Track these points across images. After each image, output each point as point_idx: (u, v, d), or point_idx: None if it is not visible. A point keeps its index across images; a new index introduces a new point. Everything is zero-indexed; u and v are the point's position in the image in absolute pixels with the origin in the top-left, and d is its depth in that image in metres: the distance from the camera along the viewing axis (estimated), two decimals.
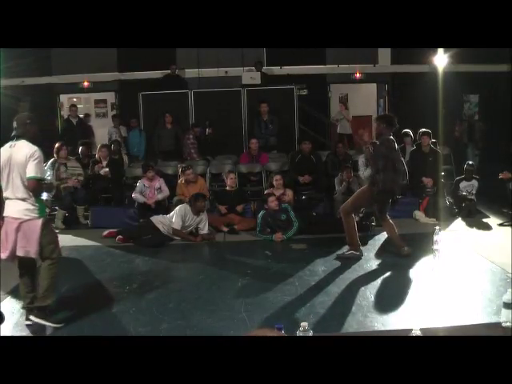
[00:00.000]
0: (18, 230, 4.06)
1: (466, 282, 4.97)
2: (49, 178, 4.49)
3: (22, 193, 4.06)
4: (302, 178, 8.20)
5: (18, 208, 4.07)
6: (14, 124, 4.19)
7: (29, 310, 4.25)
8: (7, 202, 4.14)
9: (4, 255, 4.13)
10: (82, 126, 10.94)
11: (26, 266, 4.31)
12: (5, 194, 4.15)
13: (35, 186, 4.07)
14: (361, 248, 5.87)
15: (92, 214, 7.78)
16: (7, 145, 4.18)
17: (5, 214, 4.13)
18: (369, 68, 12.19)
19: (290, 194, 7.63)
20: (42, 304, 4.19)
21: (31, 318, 4.19)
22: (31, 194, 4.06)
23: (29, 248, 4.08)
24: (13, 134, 4.18)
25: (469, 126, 11.04)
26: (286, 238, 6.70)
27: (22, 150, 4.06)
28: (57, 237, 4.40)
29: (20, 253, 4.11)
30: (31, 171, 4.02)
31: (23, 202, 4.07)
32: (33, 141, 4.15)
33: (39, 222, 4.09)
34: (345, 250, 5.87)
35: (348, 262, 5.69)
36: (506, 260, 5.29)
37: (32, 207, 4.08)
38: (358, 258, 5.76)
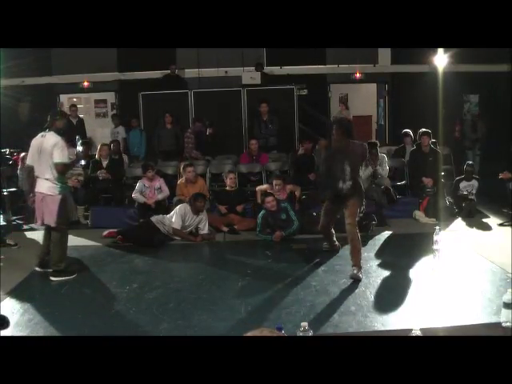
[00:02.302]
0: (42, 202, 5.20)
1: (466, 282, 4.97)
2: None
3: (47, 174, 5.15)
4: (310, 176, 8.22)
5: (44, 185, 5.17)
6: (48, 118, 5.29)
7: (40, 265, 5.46)
8: (38, 181, 5.26)
9: (37, 223, 5.49)
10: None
11: (49, 234, 5.38)
12: (36, 174, 5.27)
13: (60, 169, 5.13)
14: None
15: (92, 214, 7.78)
16: (40, 134, 5.28)
17: (36, 190, 5.28)
18: (369, 68, 12.19)
19: (289, 188, 7.68)
20: (57, 268, 5.27)
21: (52, 278, 5.26)
22: (54, 175, 5.12)
23: (49, 218, 5.17)
24: (45, 126, 5.28)
25: (472, 125, 11.03)
26: (284, 234, 6.68)
27: (49, 140, 5.13)
28: (68, 211, 5.48)
29: (44, 221, 5.26)
30: (57, 157, 5.09)
31: (47, 180, 5.14)
32: (59, 132, 5.20)
33: (58, 197, 5.16)
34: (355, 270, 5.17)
35: (348, 262, 5.69)
36: (506, 260, 5.29)
37: (53, 185, 5.15)
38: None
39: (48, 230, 5.42)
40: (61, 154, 5.09)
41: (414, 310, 4.30)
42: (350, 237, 5.27)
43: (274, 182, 7.55)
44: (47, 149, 5.11)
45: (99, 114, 13.05)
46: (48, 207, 5.17)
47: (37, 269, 5.51)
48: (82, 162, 5.56)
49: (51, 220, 5.18)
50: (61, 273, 5.31)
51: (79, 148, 8.69)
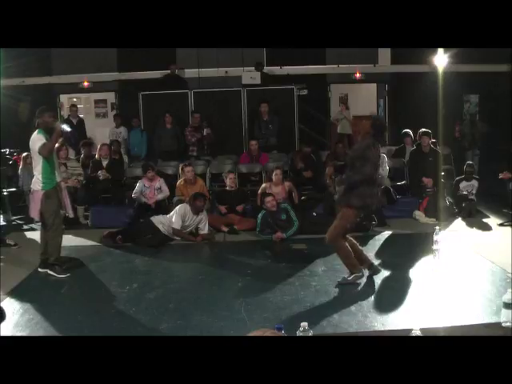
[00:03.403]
0: (31, 195, 5.46)
1: (466, 282, 4.97)
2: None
3: (34, 170, 5.39)
4: (305, 173, 8.25)
5: (33, 180, 5.40)
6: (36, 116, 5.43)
7: (42, 265, 5.53)
8: None
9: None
10: None
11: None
12: None
13: (44, 152, 5.20)
14: (360, 267, 5.05)
15: (92, 214, 7.78)
16: None
17: None
18: (369, 68, 12.18)
19: (288, 186, 7.70)
20: (48, 261, 5.45)
21: (48, 271, 5.44)
22: (39, 171, 5.27)
23: (33, 212, 5.40)
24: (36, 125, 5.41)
25: (471, 124, 11.03)
26: (286, 236, 6.69)
27: (31, 139, 5.31)
28: (57, 208, 5.39)
29: (30, 214, 5.59)
30: (38, 148, 5.21)
31: (34, 176, 5.37)
32: (45, 130, 5.27)
33: (41, 193, 5.28)
34: (345, 275, 5.03)
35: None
36: (506, 260, 5.28)
37: (37, 181, 5.31)
38: (361, 277, 5.03)
39: (43, 227, 5.54)
40: (38, 144, 5.21)
41: (414, 310, 4.30)
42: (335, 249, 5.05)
43: (275, 172, 7.59)
44: (30, 147, 5.34)
45: (99, 114, 13.04)
46: (33, 201, 5.38)
47: (39, 269, 5.52)
48: (67, 128, 5.46)
49: (35, 213, 5.41)
50: (52, 267, 5.40)
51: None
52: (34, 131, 5.35)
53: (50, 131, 5.29)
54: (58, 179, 5.49)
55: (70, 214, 5.75)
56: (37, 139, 5.24)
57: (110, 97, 12.70)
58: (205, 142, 9.56)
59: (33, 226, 7.35)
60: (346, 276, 5.01)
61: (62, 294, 4.95)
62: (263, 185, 7.82)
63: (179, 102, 10.20)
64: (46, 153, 5.23)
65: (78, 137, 9.92)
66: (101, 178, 8.21)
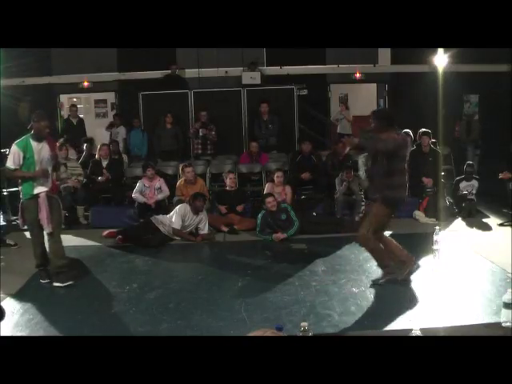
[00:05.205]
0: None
1: (466, 282, 4.97)
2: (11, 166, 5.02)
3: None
4: (303, 175, 8.26)
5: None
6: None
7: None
8: None
9: None
10: None
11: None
12: None
13: (7, 176, 5.28)
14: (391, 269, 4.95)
15: (92, 214, 7.79)
16: None
17: None
18: (369, 68, 12.18)
19: (288, 191, 7.63)
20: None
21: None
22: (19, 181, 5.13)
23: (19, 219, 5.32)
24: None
25: (467, 124, 11.05)
26: (287, 236, 6.68)
27: (14, 143, 5.09)
28: (33, 220, 5.09)
29: None
30: (5, 169, 5.13)
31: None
32: (39, 135, 5.05)
33: (21, 202, 5.15)
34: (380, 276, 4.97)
35: (348, 262, 5.70)
36: (506, 260, 5.28)
37: (19, 190, 5.17)
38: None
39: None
40: (10, 160, 5.01)
41: (414, 310, 4.30)
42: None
43: (276, 174, 7.59)
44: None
45: (99, 114, 13.03)
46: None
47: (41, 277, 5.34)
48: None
49: (20, 221, 5.34)
50: (40, 272, 5.29)
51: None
52: (27, 132, 5.12)
53: (39, 139, 5.06)
54: (37, 191, 5.04)
55: (47, 229, 5.06)
56: (13, 152, 5.00)
57: (110, 97, 12.70)
58: (208, 142, 9.56)
59: None
60: (379, 277, 4.95)
61: (61, 294, 4.95)
62: (267, 189, 7.78)
63: (179, 102, 10.20)
64: (8, 178, 5.09)
65: (79, 137, 9.98)
66: (100, 180, 8.21)
